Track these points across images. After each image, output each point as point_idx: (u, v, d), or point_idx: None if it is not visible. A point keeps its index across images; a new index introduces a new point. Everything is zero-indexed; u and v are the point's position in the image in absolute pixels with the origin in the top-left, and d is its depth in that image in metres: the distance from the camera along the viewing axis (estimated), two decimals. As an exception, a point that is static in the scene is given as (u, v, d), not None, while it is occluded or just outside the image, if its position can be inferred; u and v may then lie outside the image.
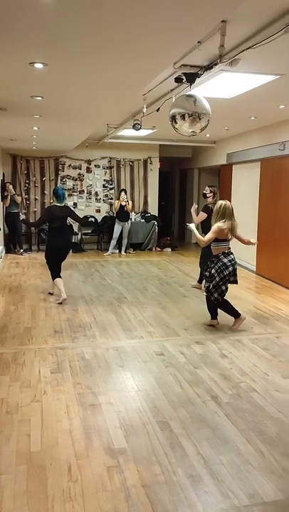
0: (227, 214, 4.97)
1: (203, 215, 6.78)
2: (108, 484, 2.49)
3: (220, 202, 5.10)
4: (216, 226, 4.95)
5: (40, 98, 4.90)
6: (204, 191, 7.06)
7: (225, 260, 4.95)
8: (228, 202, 5.09)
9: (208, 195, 6.92)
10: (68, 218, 6.47)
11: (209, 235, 4.99)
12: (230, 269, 4.94)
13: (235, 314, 5.19)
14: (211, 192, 6.90)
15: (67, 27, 2.85)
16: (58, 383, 3.74)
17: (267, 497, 2.42)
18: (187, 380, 3.85)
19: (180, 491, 2.45)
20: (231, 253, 5.06)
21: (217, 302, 5.13)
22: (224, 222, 4.94)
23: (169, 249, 11.50)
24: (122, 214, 10.50)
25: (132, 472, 2.60)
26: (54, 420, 3.16)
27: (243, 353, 4.51)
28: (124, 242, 10.78)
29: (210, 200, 6.85)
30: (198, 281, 7.30)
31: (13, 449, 2.80)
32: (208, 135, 9.63)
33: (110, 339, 4.87)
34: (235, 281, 5.08)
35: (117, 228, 10.57)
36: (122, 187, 11.38)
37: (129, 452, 2.79)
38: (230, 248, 5.08)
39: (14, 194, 10.28)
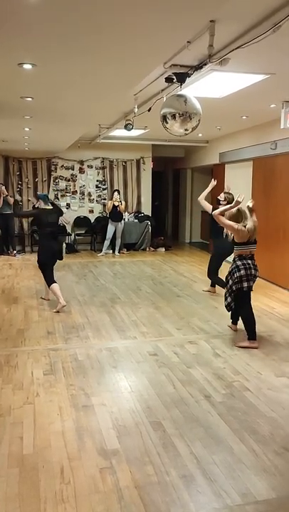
0: (245, 217, 4.71)
1: (208, 206, 6.61)
2: (101, 486, 2.49)
3: (237, 209, 4.75)
4: (236, 225, 4.66)
5: (30, 99, 4.88)
6: (218, 197, 6.69)
7: (239, 263, 4.67)
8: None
9: (221, 202, 6.54)
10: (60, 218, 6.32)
11: (221, 210, 4.75)
12: (243, 272, 4.59)
13: (251, 335, 4.69)
14: (225, 200, 6.52)
15: (56, 28, 2.84)
16: (51, 385, 3.73)
17: (259, 496, 2.43)
18: (180, 379, 3.85)
19: (173, 492, 2.45)
20: (250, 258, 4.70)
21: (240, 311, 4.83)
22: (244, 225, 4.64)
23: (163, 249, 11.50)
24: (115, 214, 10.48)
25: (125, 473, 2.59)
26: (46, 422, 3.14)
27: (236, 352, 4.51)
28: (118, 242, 10.76)
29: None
30: (210, 285, 7.02)
31: (5, 451, 2.79)
32: (200, 135, 9.64)
33: (103, 340, 4.86)
34: (251, 287, 4.68)
35: (111, 229, 10.56)
36: (115, 187, 11.36)
37: (122, 453, 2.78)
38: (249, 253, 4.71)
39: (7, 195, 10.24)
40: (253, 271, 4.66)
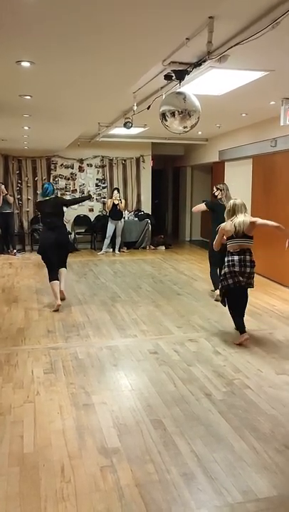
0: (236, 210, 4.67)
1: (200, 206, 6.64)
2: (101, 484, 2.48)
3: (230, 201, 4.83)
4: (219, 227, 4.77)
5: (29, 97, 4.87)
6: (213, 192, 6.75)
7: (225, 259, 4.69)
8: (237, 199, 4.79)
9: (216, 193, 6.61)
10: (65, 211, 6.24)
11: (216, 239, 4.83)
12: (226, 270, 4.60)
13: (240, 330, 4.72)
14: (218, 189, 6.60)
15: (55, 27, 2.84)
16: (51, 383, 3.72)
17: (260, 493, 2.42)
18: (181, 378, 3.84)
19: (173, 490, 2.44)
20: (236, 254, 4.59)
21: (229, 307, 4.84)
22: (231, 221, 4.65)
23: (163, 248, 11.49)
24: (115, 213, 10.48)
25: (126, 472, 2.59)
26: (47, 421, 3.14)
27: (237, 349, 4.51)
28: (118, 240, 10.76)
29: (219, 197, 6.55)
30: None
31: (6, 450, 2.78)
32: (200, 132, 9.63)
33: (104, 338, 4.86)
34: (238, 283, 4.57)
35: (111, 227, 10.55)
36: (115, 186, 11.36)
37: (123, 451, 2.78)
38: (238, 247, 4.60)
39: (6, 194, 10.24)
40: (236, 268, 4.54)
